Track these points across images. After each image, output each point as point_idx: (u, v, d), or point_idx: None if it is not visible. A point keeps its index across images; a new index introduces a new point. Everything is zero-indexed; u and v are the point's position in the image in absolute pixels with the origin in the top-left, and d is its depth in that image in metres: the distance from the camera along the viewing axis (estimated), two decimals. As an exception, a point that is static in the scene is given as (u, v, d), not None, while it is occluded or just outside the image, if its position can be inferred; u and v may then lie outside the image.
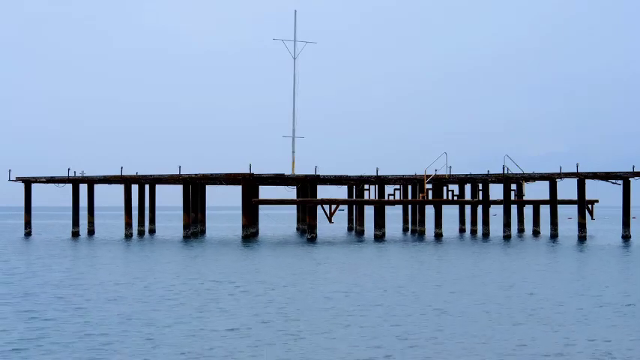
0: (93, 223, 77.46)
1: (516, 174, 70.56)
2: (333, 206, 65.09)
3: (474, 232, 76.11)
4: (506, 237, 69.70)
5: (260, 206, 71.93)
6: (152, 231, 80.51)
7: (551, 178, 69.39)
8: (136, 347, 18.82)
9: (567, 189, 74.81)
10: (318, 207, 65.91)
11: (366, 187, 79.90)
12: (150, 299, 27.37)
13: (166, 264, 42.50)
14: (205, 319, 22.85)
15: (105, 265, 41.76)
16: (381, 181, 72.99)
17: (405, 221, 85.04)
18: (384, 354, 18.08)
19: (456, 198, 74.86)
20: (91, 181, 74.43)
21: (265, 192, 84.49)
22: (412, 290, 30.04)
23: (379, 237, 68.25)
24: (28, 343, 19.35)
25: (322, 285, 31.87)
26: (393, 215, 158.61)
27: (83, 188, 75.50)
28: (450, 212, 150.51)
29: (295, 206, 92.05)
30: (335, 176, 71.35)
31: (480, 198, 73.43)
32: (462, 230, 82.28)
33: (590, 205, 76.32)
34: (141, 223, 76.00)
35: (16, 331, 20.92)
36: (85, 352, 18.20)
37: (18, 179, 74.44)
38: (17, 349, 18.64)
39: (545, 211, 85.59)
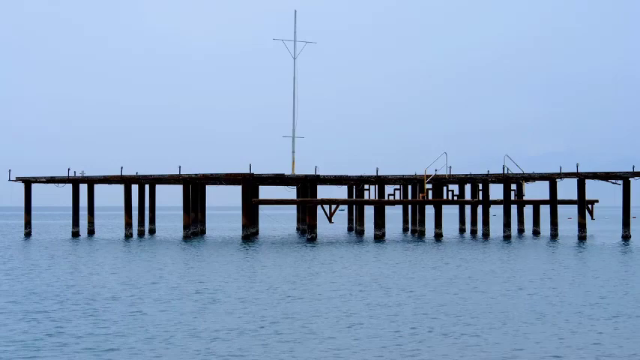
0: (93, 223, 77.49)
1: (516, 174, 70.55)
2: (333, 206, 65.08)
3: (473, 232, 76.10)
4: (506, 237, 69.68)
5: (260, 206, 71.92)
6: (152, 231, 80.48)
7: (551, 178, 69.39)
8: (143, 347, 18.81)
9: (567, 189, 74.91)
10: (318, 207, 65.90)
11: (366, 187, 79.88)
12: (154, 300, 27.35)
13: (168, 264, 42.46)
14: (210, 320, 22.83)
15: (108, 266, 41.72)
16: (381, 181, 72.96)
17: (405, 221, 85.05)
18: (390, 355, 18.08)
19: (456, 198, 74.85)
20: (91, 181, 74.41)
21: (265, 192, 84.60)
22: (415, 291, 30.03)
23: (379, 237, 68.23)
24: (38, 342, 19.35)
25: (324, 285, 31.86)
26: (393, 215, 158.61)
27: (83, 188, 75.55)
28: (450, 212, 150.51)
29: (295, 206, 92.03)
30: (335, 176, 71.32)
31: (480, 198, 73.41)
32: (462, 230, 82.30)
33: (590, 205, 76.33)
34: (141, 223, 75.96)
35: (23, 331, 20.91)
36: (92, 353, 18.19)
37: (18, 179, 74.42)
38: (26, 349, 18.64)
39: (545, 211, 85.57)
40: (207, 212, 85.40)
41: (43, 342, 19.44)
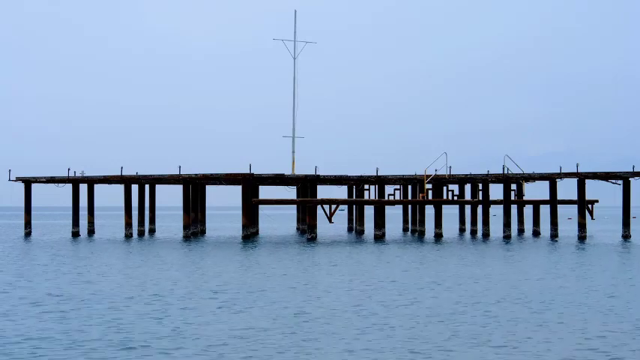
0: (93, 223, 77.50)
1: (516, 174, 70.56)
2: (333, 206, 65.08)
3: (473, 232, 76.10)
4: (506, 237, 69.66)
5: (260, 206, 71.91)
6: (152, 231, 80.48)
7: (551, 178, 69.39)
8: (149, 346, 18.82)
9: (567, 189, 74.95)
10: (318, 207, 65.91)
11: (366, 187, 79.89)
12: (158, 300, 27.32)
13: (170, 265, 42.45)
14: (216, 320, 22.82)
15: (111, 266, 41.72)
16: (381, 181, 72.96)
17: (405, 221, 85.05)
18: (397, 357, 18.09)
19: (456, 198, 74.85)
20: (91, 181, 74.41)
21: (265, 192, 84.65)
22: (419, 290, 30.03)
23: (379, 237, 68.21)
24: (49, 343, 19.36)
25: (325, 286, 31.85)
26: (393, 215, 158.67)
27: (83, 188, 75.56)
28: (450, 212, 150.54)
29: (295, 206, 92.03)
30: (335, 176, 71.32)
31: (480, 198, 73.41)
32: (462, 230, 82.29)
33: (590, 205, 76.33)
34: (141, 223, 75.96)
35: (38, 331, 20.92)
36: (102, 353, 18.20)
37: (18, 179, 74.42)
38: (38, 349, 18.66)
39: (545, 211, 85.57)
40: (207, 212, 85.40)
41: (58, 342, 19.41)
